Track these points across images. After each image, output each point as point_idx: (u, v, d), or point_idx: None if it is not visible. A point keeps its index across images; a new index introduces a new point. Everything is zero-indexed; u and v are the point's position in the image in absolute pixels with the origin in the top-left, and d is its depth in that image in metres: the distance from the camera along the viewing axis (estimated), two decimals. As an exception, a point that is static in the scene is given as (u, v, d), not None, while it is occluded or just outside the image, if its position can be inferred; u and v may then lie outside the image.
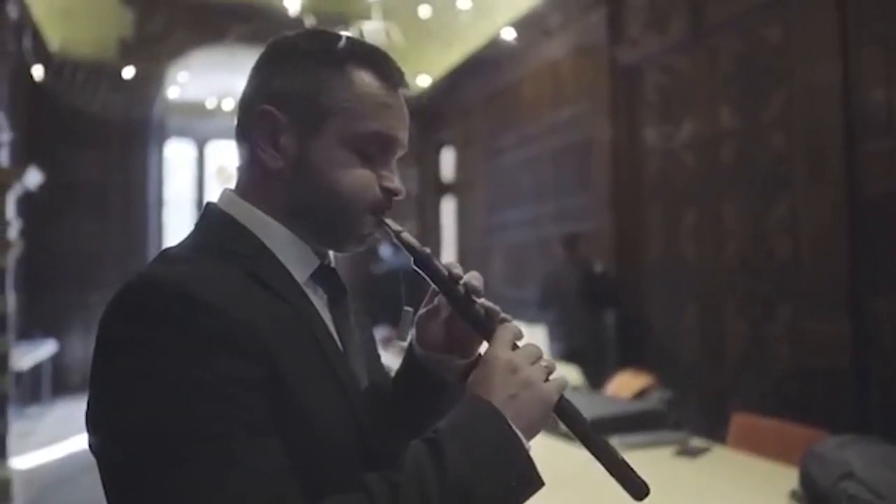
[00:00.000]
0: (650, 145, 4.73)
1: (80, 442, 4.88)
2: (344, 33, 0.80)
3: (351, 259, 0.95)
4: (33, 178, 4.85)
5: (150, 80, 6.87)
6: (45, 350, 6.07)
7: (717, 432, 2.57)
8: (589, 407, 2.32)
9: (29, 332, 6.07)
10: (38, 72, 6.00)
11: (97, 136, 6.99)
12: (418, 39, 5.65)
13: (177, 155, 8.05)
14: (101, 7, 6.42)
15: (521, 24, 5.61)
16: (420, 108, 8.46)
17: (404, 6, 4.94)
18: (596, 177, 5.23)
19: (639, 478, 0.70)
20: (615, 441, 2.09)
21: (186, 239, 0.76)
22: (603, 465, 0.71)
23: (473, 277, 0.77)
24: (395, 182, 0.78)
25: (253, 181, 0.77)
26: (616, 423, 2.21)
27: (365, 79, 0.75)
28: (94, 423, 0.63)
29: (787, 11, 3.61)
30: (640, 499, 0.70)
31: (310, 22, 4.39)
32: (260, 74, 0.78)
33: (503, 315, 0.77)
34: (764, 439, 2.26)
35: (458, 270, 0.77)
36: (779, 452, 2.03)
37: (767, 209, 3.73)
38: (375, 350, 0.92)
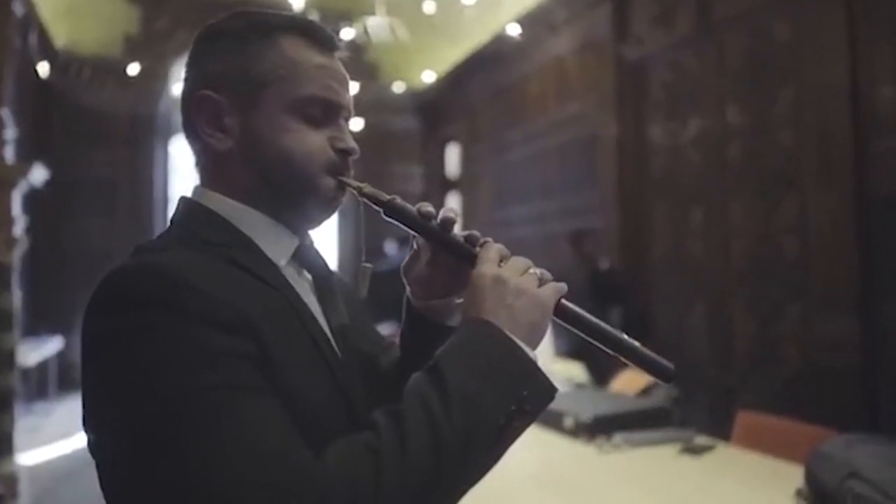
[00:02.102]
0: (656, 142, 4.71)
1: (86, 438, 4.89)
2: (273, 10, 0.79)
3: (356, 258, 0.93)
4: (39, 174, 4.86)
5: (156, 76, 6.88)
6: (51, 347, 6.10)
7: (724, 431, 2.55)
8: (594, 404, 2.31)
9: (35, 328, 6.10)
10: (43, 69, 6.03)
11: (103, 132, 7.01)
12: (423, 35, 5.64)
13: (182, 151, 8.06)
14: (107, 4, 6.43)
15: (526, 20, 5.60)
16: (425, 103, 8.48)
17: (409, 2, 4.93)
18: (602, 173, 5.21)
19: (662, 361, 0.70)
20: (619, 438, 2.09)
21: (163, 233, 0.75)
22: (623, 358, 0.70)
23: (447, 211, 0.76)
24: (348, 141, 0.77)
25: (211, 169, 0.77)
26: (621, 421, 2.19)
27: (295, 45, 0.75)
28: (93, 419, 0.62)
29: (795, 8, 3.58)
30: (669, 381, 0.70)
31: (314, 18, 4.39)
32: (193, 65, 0.77)
33: (484, 239, 0.75)
34: (769, 437, 2.24)
35: (428, 208, 0.76)
36: (784, 451, 2.02)
37: (775, 207, 3.70)
38: (368, 324, 0.91)
